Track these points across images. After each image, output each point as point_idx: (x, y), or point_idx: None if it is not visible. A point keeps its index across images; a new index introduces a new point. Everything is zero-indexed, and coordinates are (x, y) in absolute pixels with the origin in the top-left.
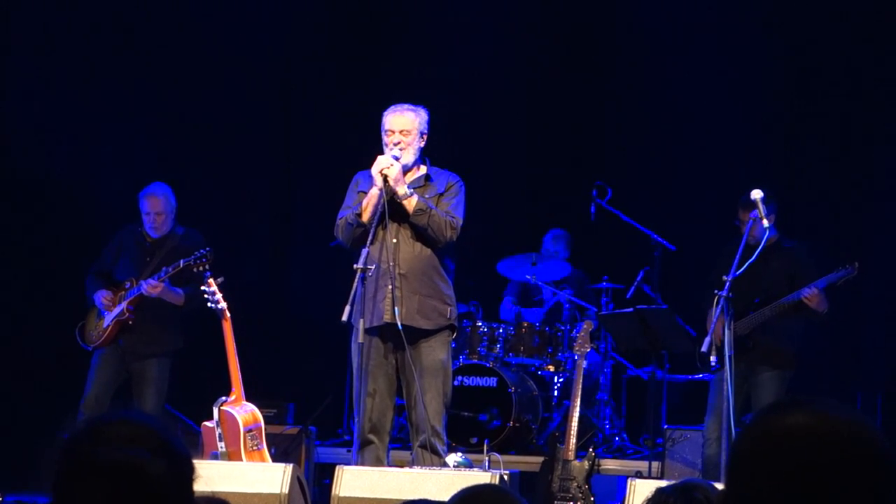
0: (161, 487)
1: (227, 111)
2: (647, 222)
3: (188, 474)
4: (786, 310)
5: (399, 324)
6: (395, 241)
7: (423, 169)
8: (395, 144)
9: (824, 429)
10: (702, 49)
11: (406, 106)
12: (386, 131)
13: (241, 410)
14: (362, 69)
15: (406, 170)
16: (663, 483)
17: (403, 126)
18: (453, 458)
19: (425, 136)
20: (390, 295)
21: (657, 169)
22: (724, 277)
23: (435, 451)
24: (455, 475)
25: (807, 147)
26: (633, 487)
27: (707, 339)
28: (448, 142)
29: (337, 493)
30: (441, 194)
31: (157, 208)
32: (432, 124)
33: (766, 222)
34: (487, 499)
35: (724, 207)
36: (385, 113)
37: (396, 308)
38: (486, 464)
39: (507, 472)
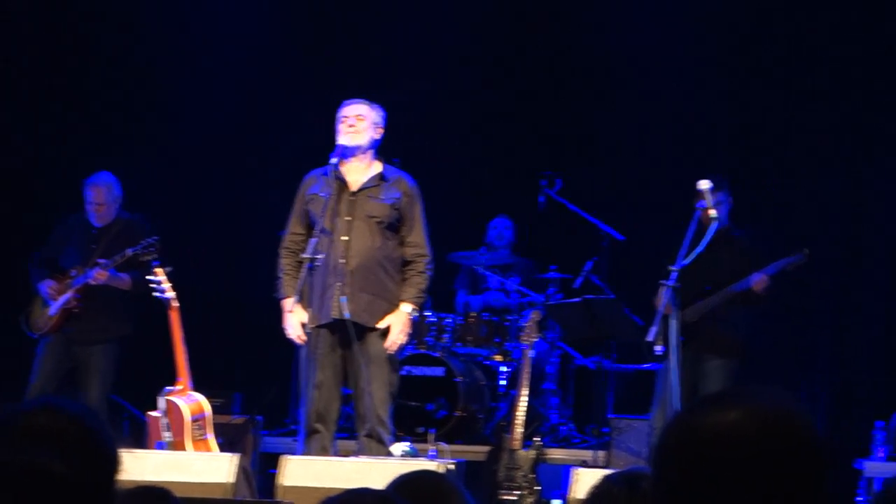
0: (68, 489)
1: (178, 96)
2: (595, 213)
3: (107, 471)
4: (734, 298)
5: (347, 314)
6: (346, 238)
7: (379, 167)
8: (350, 126)
9: (751, 425)
10: (650, 38)
11: (361, 100)
12: (340, 118)
13: (188, 400)
14: (315, 62)
15: (358, 152)
16: (608, 472)
17: (358, 112)
18: (399, 447)
19: (380, 130)
20: (339, 292)
21: (606, 159)
22: (671, 267)
23: (380, 441)
24: (400, 464)
25: (758, 136)
26: (576, 476)
27: (653, 328)
28: (398, 132)
29: (281, 482)
30: (397, 206)
31: (99, 199)
32: (389, 121)
33: (713, 212)
34: (424, 485)
35: (673, 197)
36: (340, 107)
37: (344, 301)
38: (432, 453)
39: (452, 461)
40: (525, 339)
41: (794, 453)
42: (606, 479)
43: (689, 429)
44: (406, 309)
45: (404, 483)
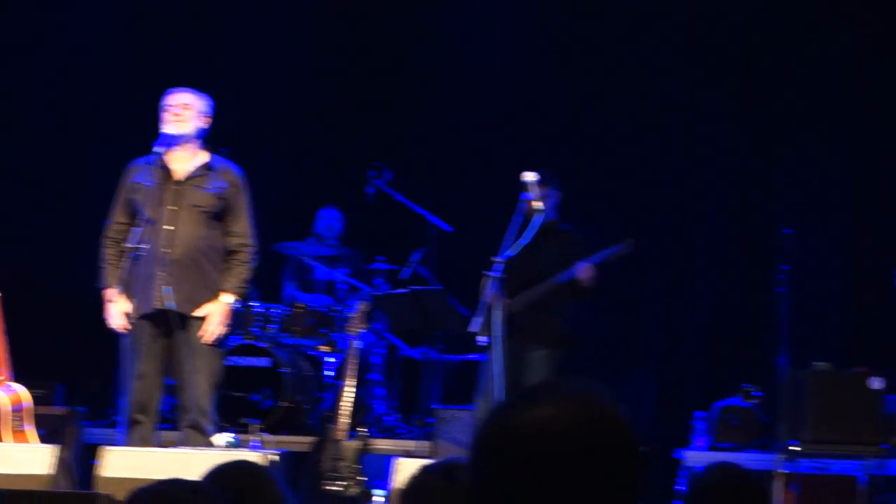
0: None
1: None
2: (424, 204)
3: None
4: (560, 289)
5: (170, 304)
6: (170, 227)
7: (205, 157)
8: (175, 115)
9: (565, 420)
10: (477, 30)
11: (187, 89)
12: (165, 107)
13: (6, 391)
14: (142, 51)
15: (183, 141)
16: (427, 462)
17: (184, 101)
18: (222, 438)
19: (207, 119)
20: (162, 282)
21: (435, 151)
22: (495, 258)
23: (203, 432)
24: (221, 455)
25: (585, 128)
26: (398, 467)
27: (477, 319)
28: (227, 122)
29: (101, 473)
30: (223, 196)
31: None
32: (217, 110)
33: (538, 204)
34: (238, 475)
35: (502, 189)
36: (165, 96)
37: (168, 291)
38: (255, 444)
39: (276, 452)
40: (352, 329)
41: (608, 448)
42: (424, 469)
43: (503, 424)
44: (226, 299)
45: (219, 473)
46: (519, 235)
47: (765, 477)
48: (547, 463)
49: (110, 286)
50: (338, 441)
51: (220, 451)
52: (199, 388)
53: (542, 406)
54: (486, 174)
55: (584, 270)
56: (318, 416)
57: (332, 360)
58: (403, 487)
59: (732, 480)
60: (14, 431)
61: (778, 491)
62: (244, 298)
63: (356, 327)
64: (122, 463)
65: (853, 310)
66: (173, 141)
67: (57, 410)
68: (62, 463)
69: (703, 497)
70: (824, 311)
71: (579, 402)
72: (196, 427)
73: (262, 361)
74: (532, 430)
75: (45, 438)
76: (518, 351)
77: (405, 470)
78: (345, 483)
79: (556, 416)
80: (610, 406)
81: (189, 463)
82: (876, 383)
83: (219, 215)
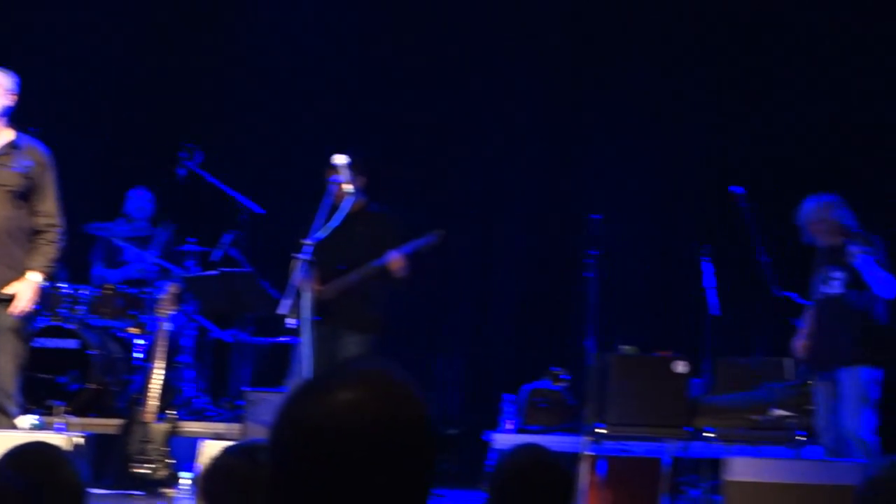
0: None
1: None
2: (235, 185)
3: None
4: (372, 274)
5: None
6: None
7: (10, 135)
8: None
9: (361, 405)
10: (292, 11)
11: None
12: None
13: None
14: None
15: None
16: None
17: None
18: (27, 420)
19: (12, 97)
20: None
21: (246, 133)
22: (304, 241)
23: (6, 413)
24: (23, 437)
25: (397, 115)
26: (205, 449)
27: (286, 302)
28: (35, 99)
29: None
30: (30, 175)
31: None
32: (28, 90)
33: (348, 187)
34: (34, 457)
35: (313, 172)
36: None
37: None
38: (60, 426)
39: (82, 434)
40: (161, 311)
41: (404, 430)
42: (226, 451)
43: (300, 408)
44: (33, 277)
45: (15, 455)
46: (329, 218)
47: (571, 459)
48: (343, 446)
49: None
50: (146, 424)
51: (23, 433)
52: (3, 369)
53: (338, 390)
54: (297, 156)
55: (395, 260)
56: (127, 399)
57: (142, 342)
58: (205, 469)
59: (536, 462)
60: None
61: (584, 473)
62: (52, 279)
63: (166, 309)
64: None
65: (659, 294)
66: None
67: None
68: None
69: (507, 479)
70: (631, 295)
71: (375, 386)
72: None
73: (70, 343)
74: (328, 415)
75: None
76: (331, 335)
77: (210, 452)
78: (153, 466)
79: (351, 400)
80: (405, 388)
81: None
82: (680, 367)
83: (25, 195)
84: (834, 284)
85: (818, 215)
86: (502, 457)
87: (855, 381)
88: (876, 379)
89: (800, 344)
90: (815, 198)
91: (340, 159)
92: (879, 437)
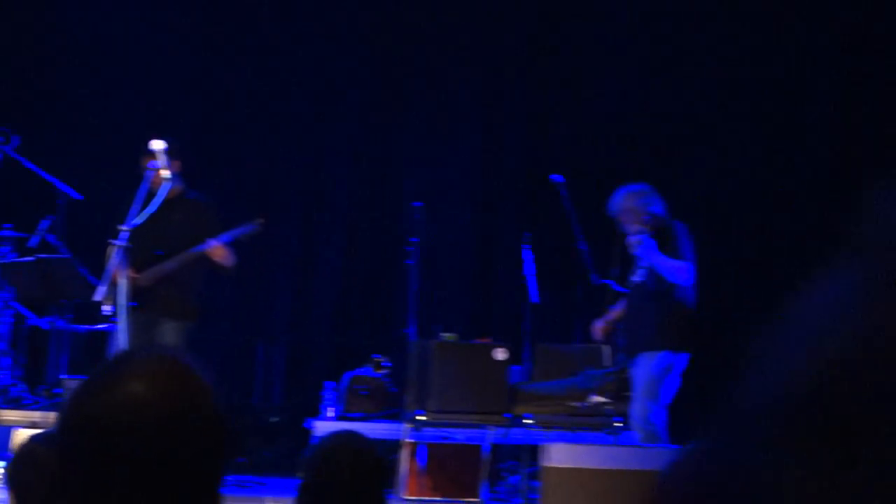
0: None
1: None
2: (52, 170)
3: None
4: (190, 261)
5: None
6: None
7: None
8: None
9: (148, 394)
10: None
11: None
12: None
13: None
14: None
15: None
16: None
17: None
18: None
19: None
20: None
21: (64, 117)
22: (121, 227)
23: None
24: None
25: (219, 101)
26: (15, 436)
27: (101, 288)
28: None
29: None
30: None
31: None
32: None
33: (165, 173)
34: None
35: (132, 155)
36: None
37: None
38: None
39: None
40: None
41: (191, 422)
42: (32, 439)
43: (86, 401)
44: None
45: None
46: (146, 204)
47: (392, 446)
48: (129, 438)
49: None
50: None
51: None
52: None
53: (124, 382)
54: (114, 142)
55: (214, 248)
56: None
57: None
58: (12, 456)
59: (348, 448)
60: None
61: (404, 460)
62: None
63: None
64: None
65: (480, 282)
66: None
67: None
68: None
69: (320, 465)
70: (452, 283)
71: (161, 376)
72: None
73: None
74: (113, 407)
75: None
76: (148, 323)
77: (21, 440)
78: None
79: (137, 392)
80: (193, 378)
81: None
82: (500, 354)
83: None
84: (639, 272)
85: (625, 204)
86: (316, 443)
87: (646, 368)
88: (671, 365)
89: (598, 326)
90: (625, 187)
91: (157, 145)
92: (674, 419)
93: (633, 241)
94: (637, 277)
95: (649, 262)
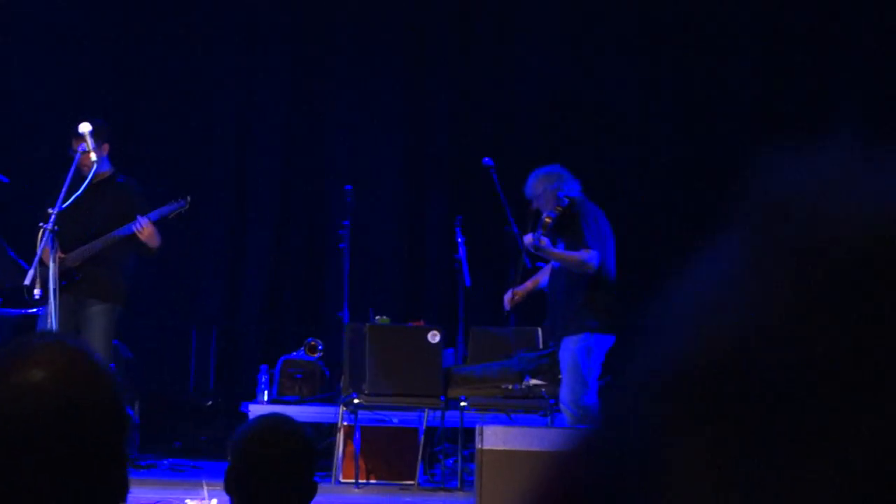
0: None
1: None
2: None
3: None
4: (118, 243)
5: None
6: None
7: None
8: None
9: (45, 382)
10: None
11: None
12: None
13: None
14: None
15: None
16: None
17: None
18: None
19: None
20: None
21: None
22: (50, 210)
23: None
24: None
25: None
26: None
27: (31, 272)
28: None
29: None
30: None
31: None
32: None
33: (93, 155)
34: None
35: (59, 138)
36: None
37: None
38: None
39: None
40: None
41: (88, 411)
42: None
43: None
44: None
45: None
46: (74, 187)
47: (328, 430)
48: (24, 429)
49: None
50: None
51: None
52: None
53: (18, 370)
54: (43, 124)
55: (142, 228)
56: None
57: None
58: None
59: (274, 430)
60: None
61: (340, 443)
62: None
63: None
64: None
65: (413, 264)
66: None
67: None
68: None
69: (245, 447)
70: (385, 265)
71: (56, 364)
72: None
73: None
74: (6, 398)
75: None
76: (76, 305)
77: None
78: None
79: (31, 381)
80: (90, 364)
81: None
82: (434, 337)
83: None
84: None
85: (538, 188)
86: (241, 427)
87: (570, 351)
88: (591, 347)
89: (507, 297)
90: (537, 170)
91: (85, 127)
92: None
93: (527, 242)
94: (555, 263)
95: (550, 260)
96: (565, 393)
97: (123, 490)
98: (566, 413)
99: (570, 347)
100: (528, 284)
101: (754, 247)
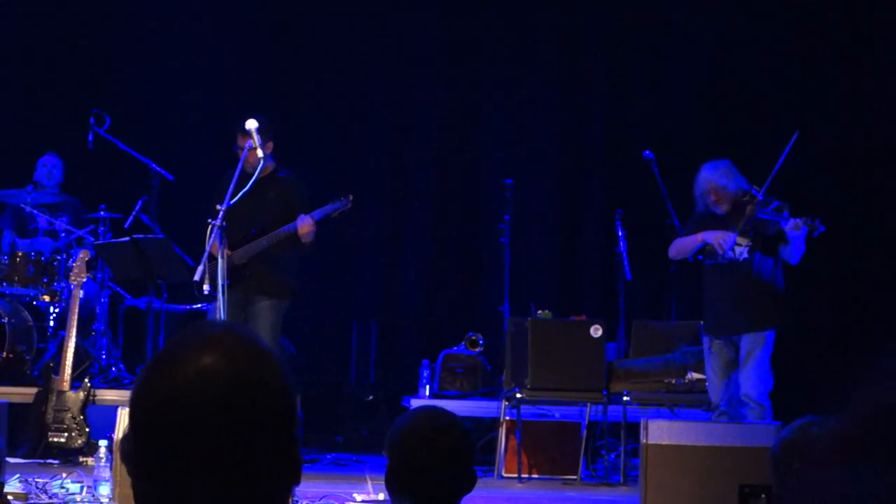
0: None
1: None
2: (145, 151)
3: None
4: (282, 240)
5: None
6: None
7: None
8: None
9: (221, 369)
10: None
11: None
12: None
13: None
14: None
15: None
16: None
17: None
18: None
19: None
20: None
21: (155, 97)
22: (218, 206)
23: None
24: None
25: (300, 80)
26: (123, 416)
27: (200, 268)
28: None
29: None
30: None
31: None
32: None
33: (260, 152)
34: None
35: (221, 136)
36: None
37: None
38: None
39: None
40: (74, 279)
41: (259, 396)
42: None
43: (155, 377)
44: None
45: None
46: (241, 184)
47: (489, 424)
48: (198, 414)
49: None
50: (62, 392)
51: None
52: None
53: (191, 357)
54: (207, 121)
55: (304, 226)
56: (41, 367)
57: (55, 309)
58: (123, 437)
59: (430, 422)
60: None
61: (502, 438)
62: None
63: (78, 276)
64: None
65: (573, 258)
66: None
67: None
68: None
69: (403, 441)
70: (545, 259)
71: (228, 351)
72: None
73: None
74: (181, 383)
75: None
76: (243, 301)
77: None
78: (69, 434)
79: (204, 367)
80: (260, 351)
81: None
82: (596, 331)
83: None
84: (742, 250)
85: (709, 184)
86: (398, 420)
87: (757, 347)
88: (772, 341)
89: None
90: (707, 165)
91: (251, 124)
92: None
93: (794, 224)
94: (740, 256)
95: (799, 247)
96: (753, 386)
97: (297, 471)
98: (753, 405)
99: (756, 343)
100: None
101: None
